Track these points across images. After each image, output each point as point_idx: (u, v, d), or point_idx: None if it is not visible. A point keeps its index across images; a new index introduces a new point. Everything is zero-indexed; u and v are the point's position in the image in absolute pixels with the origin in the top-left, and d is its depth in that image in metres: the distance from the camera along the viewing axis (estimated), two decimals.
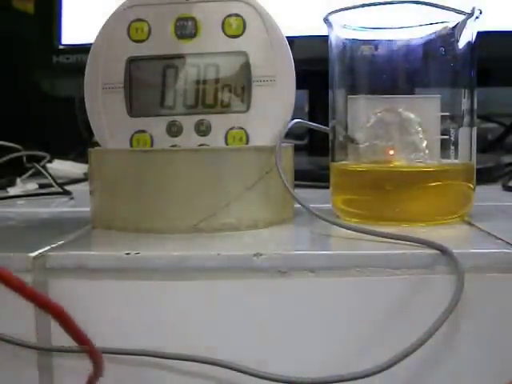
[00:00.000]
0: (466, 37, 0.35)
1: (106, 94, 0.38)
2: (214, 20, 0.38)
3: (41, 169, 0.62)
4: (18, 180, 0.59)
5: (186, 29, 0.38)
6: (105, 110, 0.38)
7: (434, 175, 0.36)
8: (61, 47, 0.68)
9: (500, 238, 0.31)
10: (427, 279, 0.29)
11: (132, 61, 0.38)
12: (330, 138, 0.38)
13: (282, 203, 0.37)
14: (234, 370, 0.28)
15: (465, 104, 0.36)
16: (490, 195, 0.48)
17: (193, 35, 0.38)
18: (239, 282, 0.29)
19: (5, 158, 0.63)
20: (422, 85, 0.36)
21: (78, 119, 0.74)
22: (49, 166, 0.66)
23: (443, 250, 0.29)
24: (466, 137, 0.36)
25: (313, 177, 0.52)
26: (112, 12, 0.39)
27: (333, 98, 0.38)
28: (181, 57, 0.38)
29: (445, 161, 0.36)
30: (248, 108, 0.38)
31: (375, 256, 0.29)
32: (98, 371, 0.24)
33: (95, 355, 0.23)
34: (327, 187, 0.39)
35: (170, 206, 0.35)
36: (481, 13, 0.35)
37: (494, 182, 0.55)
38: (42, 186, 0.58)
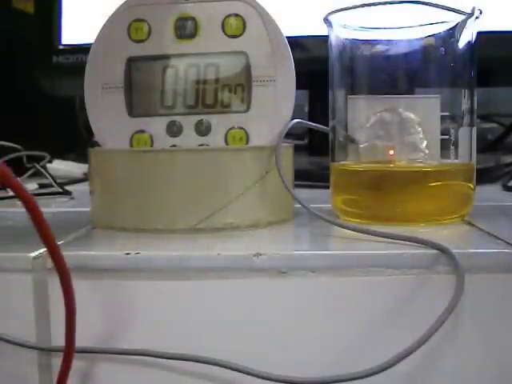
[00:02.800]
0: (466, 37, 0.35)
1: (106, 93, 0.38)
2: (213, 20, 0.38)
3: (41, 169, 0.62)
4: (18, 180, 0.59)
5: (186, 29, 0.38)
6: (105, 110, 0.38)
7: (434, 175, 0.36)
8: (61, 47, 0.68)
9: (500, 238, 0.31)
10: (427, 279, 0.29)
11: (132, 61, 0.38)
12: (330, 138, 0.38)
13: (282, 203, 0.37)
14: (234, 370, 0.28)
15: (465, 104, 0.36)
16: (490, 195, 0.48)
17: (193, 35, 0.38)
18: (239, 281, 0.29)
19: (5, 158, 0.63)
20: (422, 85, 0.36)
21: (78, 119, 0.74)
22: (49, 166, 0.66)
23: (443, 250, 0.29)
24: (466, 137, 0.36)
25: (313, 177, 0.52)
26: (112, 12, 0.39)
27: (333, 98, 0.38)
28: (181, 57, 0.38)
29: (445, 161, 0.36)
30: (248, 108, 0.38)
31: (375, 256, 0.29)
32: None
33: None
34: (327, 187, 0.39)
35: (169, 206, 0.35)
36: (481, 13, 0.35)
37: (494, 182, 0.55)
38: (42, 186, 0.58)
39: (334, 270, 0.29)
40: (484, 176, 0.52)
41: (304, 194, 0.37)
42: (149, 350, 0.29)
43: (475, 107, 0.37)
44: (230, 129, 0.38)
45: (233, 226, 0.35)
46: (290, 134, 0.38)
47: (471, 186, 0.37)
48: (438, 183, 0.35)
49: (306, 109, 0.74)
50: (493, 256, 0.29)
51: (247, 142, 0.38)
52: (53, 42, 0.68)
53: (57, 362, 0.30)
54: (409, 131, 0.36)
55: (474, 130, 0.37)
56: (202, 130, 0.38)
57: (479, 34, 0.36)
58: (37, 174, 0.62)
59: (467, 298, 0.28)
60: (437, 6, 0.34)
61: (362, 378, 0.26)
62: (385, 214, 0.35)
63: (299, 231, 0.37)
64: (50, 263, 0.29)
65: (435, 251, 0.29)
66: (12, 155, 0.64)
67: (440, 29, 0.35)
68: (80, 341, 0.27)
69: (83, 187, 0.49)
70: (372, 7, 0.35)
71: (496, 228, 0.34)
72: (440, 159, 0.36)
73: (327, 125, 0.39)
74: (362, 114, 0.37)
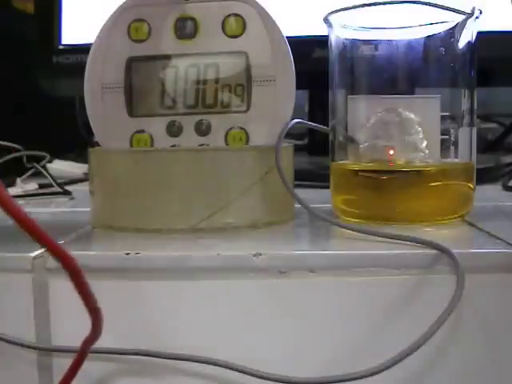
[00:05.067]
0: (466, 37, 0.35)
1: (106, 93, 0.38)
2: (213, 20, 0.38)
3: (41, 169, 0.62)
4: (18, 180, 0.59)
5: (186, 29, 0.38)
6: (105, 110, 0.38)
7: (434, 175, 0.36)
8: (61, 47, 0.68)
9: (500, 238, 0.31)
10: (427, 279, 0.29)
11: (132, 61, 0.38)
12: (330, 138, 0.38)
13: (282, 203, 0.37)
14: (234, 370, 0.28)
15: (465, 104, 0.36)
16: (490, 195, 0.48)
17: (193, 35, 0.38)
18: (239, 281, 0.29)
19: (5, 158, 0.63)
20: (422, 85, 0.36)
21: (77, 119, 0.74)
22: (49, 165, 0.66)
23: (443, 250, 0.29)
24: (466, 137, 0.36)
25: (313, 177, 0.52)
26: (112, 12, 0.39)
27: (333, 98, 0.38)
28: (181, 57, 0.38)
29: (445, 161, 0.36)
30: (248, 108, 0.38)
31: (375, 256, 0.29)
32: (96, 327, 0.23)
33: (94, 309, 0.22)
34: (327, 187, 0.39)
35: (170, 206, 0.35)
36: (481, 13, 0.35)
37: (494, 182, 0.55)
38: (41, 186, 0.58)
39: (334, 270, 0.29)
40: (484, 176, 0.52)
41: (304, 194, 0.37)
42: (149, 350, 0.29)
43: (475, 107, 0.37)
44: (230, 129, 0.38)
45: (233, 226, 0.35)
46: (289, 134, 0.38)
47: (471, 185, 0.37)
48: (438, 183, 0.35)
49: (306, 109, 0.74)
50: (493, 256, 0.29)
51: (247, 142, 0.38)
52: (53, 41, 0.68)
53: (57, 362, 0.30)
54: (409, 131, 0.36)
55: (474, 129, 0.37)
56: (202, 129, 0.38)
57: (479, 34, 0.36)
58: (37, 174, 0.62)
59: (467, 298, 0.28)
60: (437, 5, 0.34)
61: (361, 377, 0.26)
62: (385, 214, 0.35)
63: (299, 231, 0.36)
64: (50, 263, 0.29)
65: (435, 251, 0.29)
66: (12, 155, 0.64)
67: (440, 29, 0.35)
68: (79, 341, 0.27)
69: (83, 187, 0.49)
70: (372, 7, 0.35)
71: (496, 228, 0.34)
72: (440, 159, 0.36)
73: (327, 125, 0.39)
74: (361, 114, 0.37)
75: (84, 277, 0.20)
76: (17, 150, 0.66)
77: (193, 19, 0.38)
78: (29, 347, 0.29)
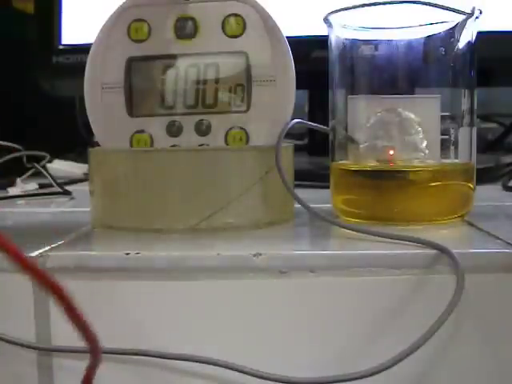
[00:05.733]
0: (466, 37, 0.35)
1: (106, 93, 0.38)
2: (213, 20, 0.38)
3: (41, 169, 0.62)
4: (18, 180, 0.59)
5: (186, 29, 0.38)
6: (105, 110, 0.38)
7: (434, 175, 0.36)
8: (61, 47, 0.68)
9: (500, 238, 0.31)
10: (427, 279, 0.29)
11: (132, 61, 0.38)
12: (330, 138, 0.38)
13: (282, 203, 0.37)
14: (234, 370, 0.28)
15: (465, 104, 0.36)
16: (490, 195, 0.48)
17: (193, 35, 0.38)
18: (239, 282, 0.29)
19: (5, 158, 0.63)
20: (422, 85, 0.36)
21: (77, 119, 0.74)
22: (49, 165, 0.66)
23: (443, 250, 0.29)
24: (466, 137, 0.36)
25: (313, 177, 0.52)
26: (112, 12, 0.39)
27: (333, 98, 0.38)
28: (181, 57, 0.38)
29: (445, 161, 0.36)
30: (248, 108, 0.38)
31: (375, 256, 0.29)
32: (95, 359, 0.23)
33: (92, 341, 0.22)
34: (327, 187, 0.39)
35: (170, 206, 0.35)
36: (481, 13, 0.35)
37: (494, 182, 0.55)
38: (42, 186, 0.58)
39: (334, 270, 0.29)
40: (484, 176, 0.52)
41: (304, 194, 0.37)
42: (149, 350, 0.29)
43: (475, 107, 0.37)
44: (230, 129, 0.38)
45: (233, 226, 0.35)
46: (289, 134, 0.38)
47: (471, 185, 0.37)
48: (438, 183, 0.35)
49: (306, 109, 0.74)
50: (493, 256, 0.29)
51: (247, 142, 0.38)
52: (53, 42, 0.68)
53: (57, 362, 0.30)
54: (409, 131, 0.36)
55: (474, 129, 0.37)
56: (202, 129, 0.38)
57: (479, 34, 0.36)
58: (37, 174, 0.62)
59: (467, 297, 0.28)
60: (437, 5, 0.34)
61: (361, 377, 0.26)
62: (385, 213, 0.35)
63: (299, 231, 0.37)
64: (50, 263, 0.29)
65: (435, 251, 0.29)
66: (12, 155, 0.64)
67: (440, 29, 0.35)
68: (79, 341, 0.27)
69: (83, 187, 0.49)
70: (372, 7, 0.35)
71: (496, 228, 0.34)
72: (440, 159, 0.36)
73: (327, 125, 0.39)
74: (361, 114, 0.37)
75: (75, 305, 0.20)
76: (17, 150, 0.66)
77: (193, 19, 0.38)
78: (29, 347, 0.29)
